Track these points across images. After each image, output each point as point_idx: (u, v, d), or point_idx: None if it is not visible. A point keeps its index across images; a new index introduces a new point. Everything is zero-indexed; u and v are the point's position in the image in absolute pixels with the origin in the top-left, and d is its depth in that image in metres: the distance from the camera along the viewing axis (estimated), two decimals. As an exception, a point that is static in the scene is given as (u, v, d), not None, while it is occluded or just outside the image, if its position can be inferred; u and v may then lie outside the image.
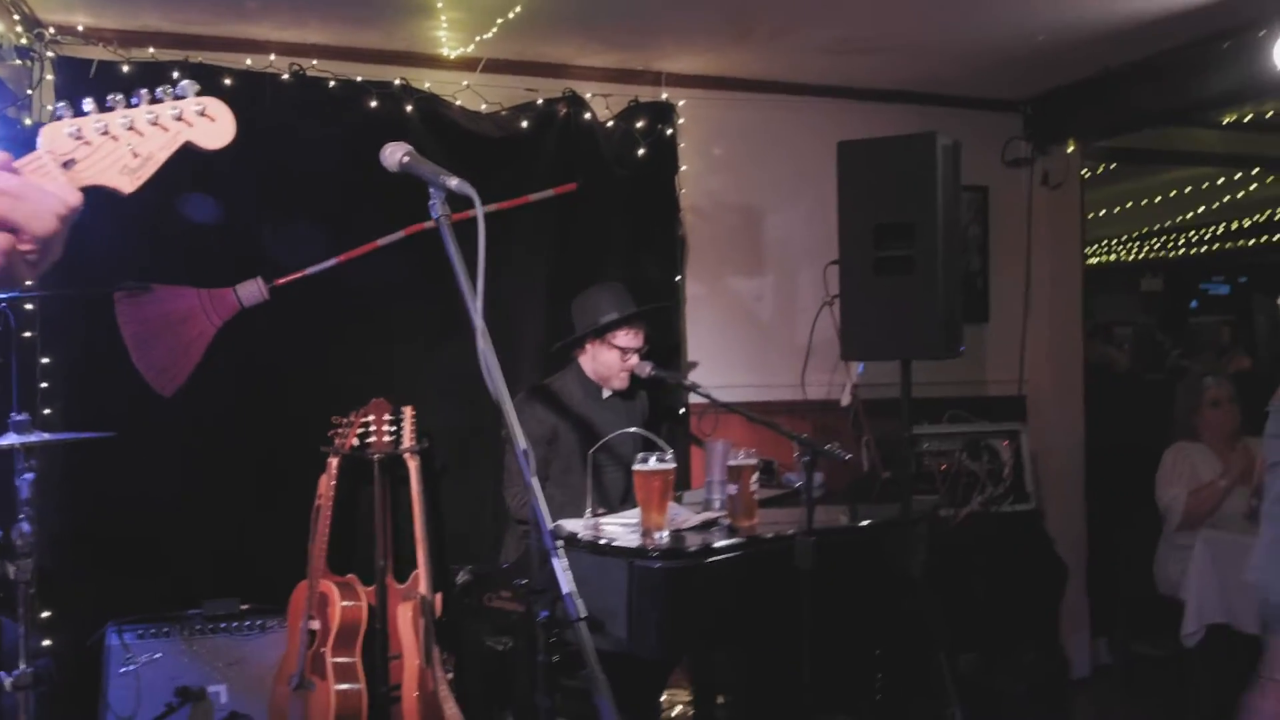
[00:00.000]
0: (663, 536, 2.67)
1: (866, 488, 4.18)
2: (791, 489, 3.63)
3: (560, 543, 1.71)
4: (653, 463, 2.67)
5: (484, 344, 1.82)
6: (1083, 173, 5.14)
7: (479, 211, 1.84)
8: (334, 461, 3.54)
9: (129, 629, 3.46)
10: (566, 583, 1.68)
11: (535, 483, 1.74)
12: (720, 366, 4.35)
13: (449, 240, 1.91)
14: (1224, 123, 5.41)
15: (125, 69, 3.52)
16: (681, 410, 4.21)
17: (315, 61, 3.73)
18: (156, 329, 3.55)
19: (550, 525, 1.73)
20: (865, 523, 3.23)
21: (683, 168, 4.25)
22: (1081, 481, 5.05)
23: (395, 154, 1.95)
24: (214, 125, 1.33)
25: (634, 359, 3.47)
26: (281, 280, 3.62)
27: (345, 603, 3.46)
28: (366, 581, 3.59)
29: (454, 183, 1.86)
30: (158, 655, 3.46)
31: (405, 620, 3.49)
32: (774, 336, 4.50)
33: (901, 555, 3.31)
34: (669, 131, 4.19)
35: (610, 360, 3.48)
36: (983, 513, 4.37)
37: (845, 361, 4.08)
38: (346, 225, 3.70)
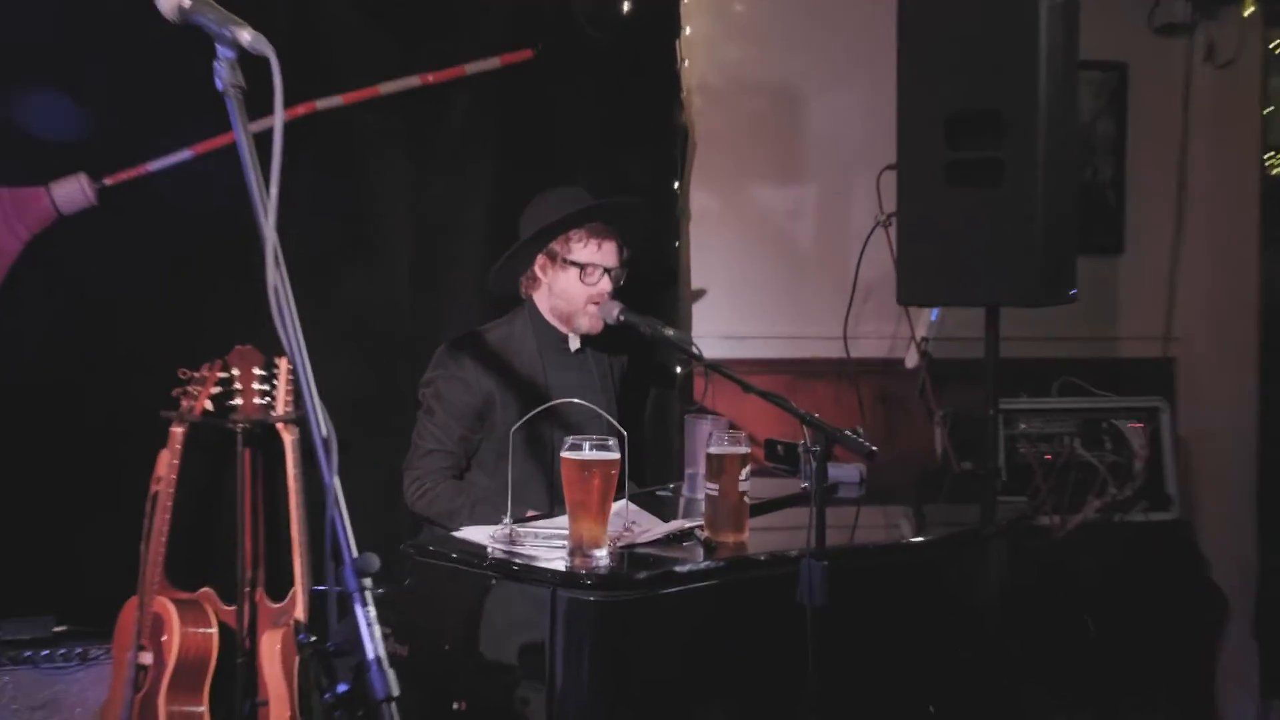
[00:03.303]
0: (601, 556, 2.47)
1: (937, 482, 4.09)
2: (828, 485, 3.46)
3: (367, 581, 1.51)
4: (588, 451, 2.46)
5: (275, 273, 1.63)
6: (1271, 46, 4.83)
7: (277, 80, 1.75)
8: (179, 431, 3.41)
9: (-98, 658, 3.36)
10: (373, 643, 1.49)
11: (336, 482, 1.56)
12: (736, 309, 4.25)
13: (237, 122, 1.83)
14: None
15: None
16: (678, 370, 4.07)
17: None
18: (-64, 244, 3.40)
19: (357, 552, 1.53)
20: (910, 539, 3.09)
21: (686, 31, 4.09)
22: (1253, 481, 4.79)
23: (173, -7, 1.81)
24: None
25: (604, 282, 3.33)
26: (114, 178, 3.54)
27: (188, 628, 3.34)
28: (229, 599, 3.47)
29: (247, 37, 1.78)
30: (-60, 693, 3.36)
31: (271, 653, 3.38)
32: (813, 269, 4.37)
33: (970, 580, 3.18)
34: (667, -21, 4.06)
35: (569, 286, 3.34)
36: (1102, 522, 4.18)
37: (906, 306, 3.90)
38: (207, 106, 3.50)
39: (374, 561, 1.53)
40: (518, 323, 3.41)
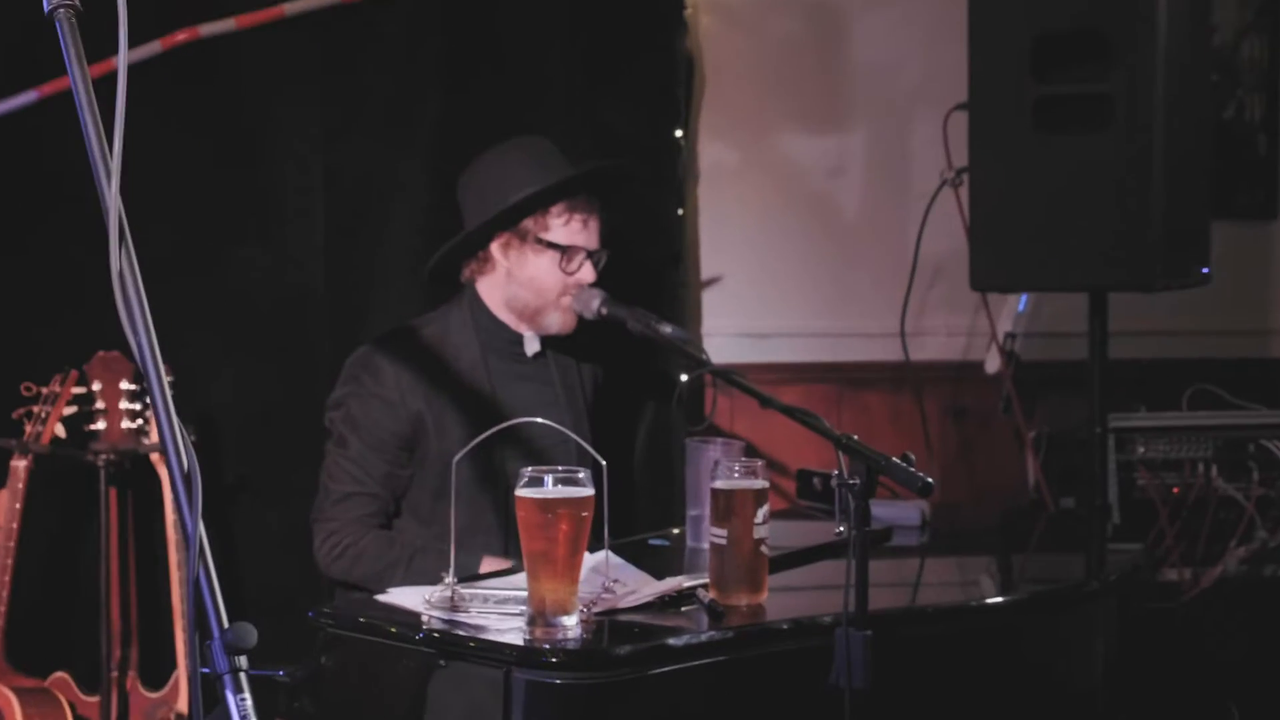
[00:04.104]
0: (570, 625, 2.48)
1: (1028, 524, 4.09)
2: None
3: (241, 660, 1.51)
4: (550, 486, 2.47)
5: (121, 256, 1.63)
6: None
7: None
8: (21, 465, 3.43)
9: None
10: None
11: (200, 531, 1.55)
12: (759, 298, 4.30)
13: (70, 53, 1.78)
14: None
15: None
16: (682, 379, 4.02)
17: None
18: None
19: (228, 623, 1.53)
20: (985, 599, 3.10)
21: (690, -70, 4.15)
22: None
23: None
24: None
25: (586, 270, 3.33)
26: (-67, 128, 3.63)
27: (34, 727, 3.37)
28: (91, 686, 3.48)
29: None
30: None
31: (146, 761, 3.39)
32: (861, 244, 4.42)
33: (1069, 653, 3.19)
34: None
35: (542, 274, 3.33)
36: (1248, 576, 4.18)
37: (983, 293, 3.92)
38: (52, 38, 3.56)
39: (250, 635, 1.52)
40: (454, 318, 3.41)
